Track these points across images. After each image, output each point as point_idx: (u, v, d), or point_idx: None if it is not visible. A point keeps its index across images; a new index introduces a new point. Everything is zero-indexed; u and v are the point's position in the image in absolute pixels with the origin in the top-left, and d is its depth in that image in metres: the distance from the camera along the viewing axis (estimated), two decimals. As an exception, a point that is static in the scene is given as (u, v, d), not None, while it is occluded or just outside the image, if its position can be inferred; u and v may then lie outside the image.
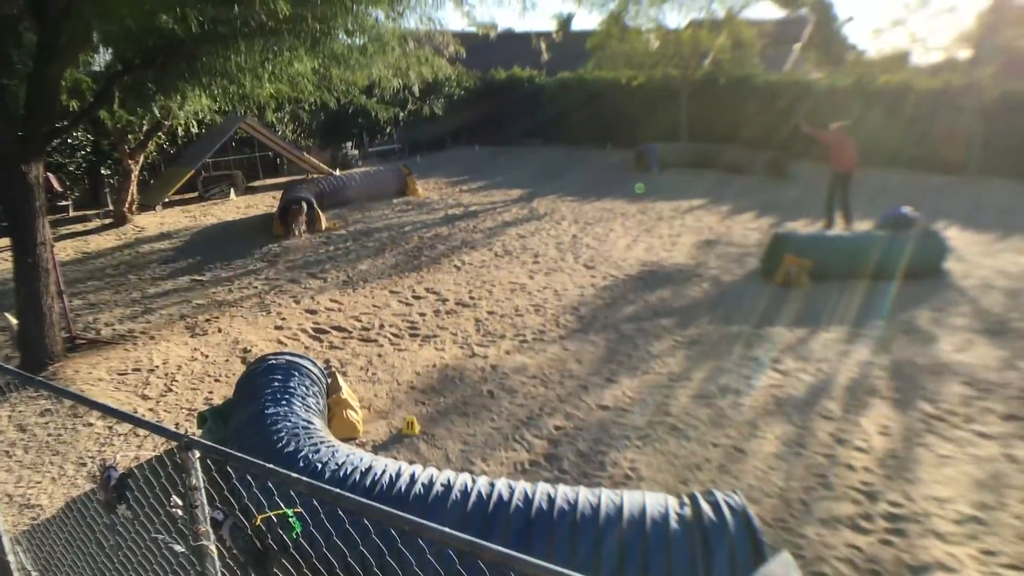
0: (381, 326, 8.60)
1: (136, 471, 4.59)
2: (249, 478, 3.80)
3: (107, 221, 16.00)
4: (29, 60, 7.41)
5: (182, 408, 6.66)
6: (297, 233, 13.52)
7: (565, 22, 42.33)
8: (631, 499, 3.72)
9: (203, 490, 2.73)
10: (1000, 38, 19.71)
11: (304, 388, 5.39)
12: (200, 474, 2.71)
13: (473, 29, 8.73)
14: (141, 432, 5.96)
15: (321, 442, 4.50)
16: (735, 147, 20.99)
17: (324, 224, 14.15)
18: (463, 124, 27.26)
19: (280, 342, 8.21)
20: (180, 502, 3.48)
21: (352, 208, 16.30)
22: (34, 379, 3.38)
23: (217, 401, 6.55)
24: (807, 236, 10.39)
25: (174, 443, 2.53)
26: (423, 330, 8.43)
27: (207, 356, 7.90)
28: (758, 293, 9.53)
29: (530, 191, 17.98)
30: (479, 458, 5.55)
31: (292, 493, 3.56)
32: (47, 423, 6.40)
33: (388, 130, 24.46)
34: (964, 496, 4.95)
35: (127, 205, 15.84)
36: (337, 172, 20.11)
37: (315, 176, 19.42)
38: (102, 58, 9.55)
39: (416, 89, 10.15)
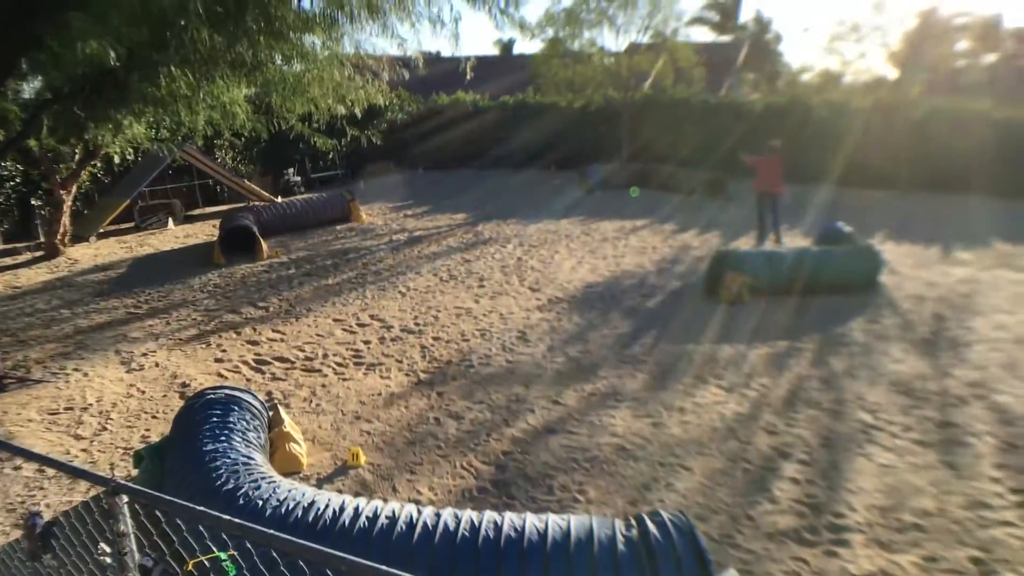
0: (325, 355, 8.46)
1: (62, 518, 4.40)
2: (179, 522, 3.67)
3: (38, 254, 15.46)
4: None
5: (117, 447, 6.43)
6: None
7: (507, 47, 42.76)
8: (578, 523, 3.70)
9: (132, 536, 2.63)
10: (926, 58, 20.56)
11: (244, 423, 5.25)
12: (129, 519, 2.61)
13: (410, 54, 8.73)
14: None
15: (262, 478, 4.38)
16: (675, 167, 21.38)
17: (266, 252, 13.92)
18: (407, 149, 27.22)
19: (220, 375, 8.00)
20: (108, 549, 3.34)
21: (294, 235, 16.08)
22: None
23: (154, 439, 6.33)
24: (747, 253, 10.59)
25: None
26: (368, 358, 8.31)
27: (144, 392, 7.66)
28: (701, 310, 9.66)
29: (475, 215, 18.01)
30: (426, 487, 5.47)
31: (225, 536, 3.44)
32: (-28, 468, 6.10)
33: (331, 156, 24.27)
34: (905, 504, 5.05)
35: (59, 237, 15.36)
36: (279, 199, 19.86)
37: (256, 203, 19.13)
38: (31, 86, 9.29)
39: (358, 113, 10.07)
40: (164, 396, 7.50)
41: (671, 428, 6.29)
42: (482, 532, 3.66)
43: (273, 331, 9.42)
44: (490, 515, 3.83)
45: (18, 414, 7.19)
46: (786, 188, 13.62)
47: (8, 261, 15.22)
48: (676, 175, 20.84)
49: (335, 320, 9.76)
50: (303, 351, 8.64)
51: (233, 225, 14.41)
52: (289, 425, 6.06)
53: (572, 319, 9.44)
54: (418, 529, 3.72)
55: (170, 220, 18.69)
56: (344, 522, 3.82)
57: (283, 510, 3.96)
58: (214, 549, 3.14)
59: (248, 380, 7.82)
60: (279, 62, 8.44)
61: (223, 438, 4.89)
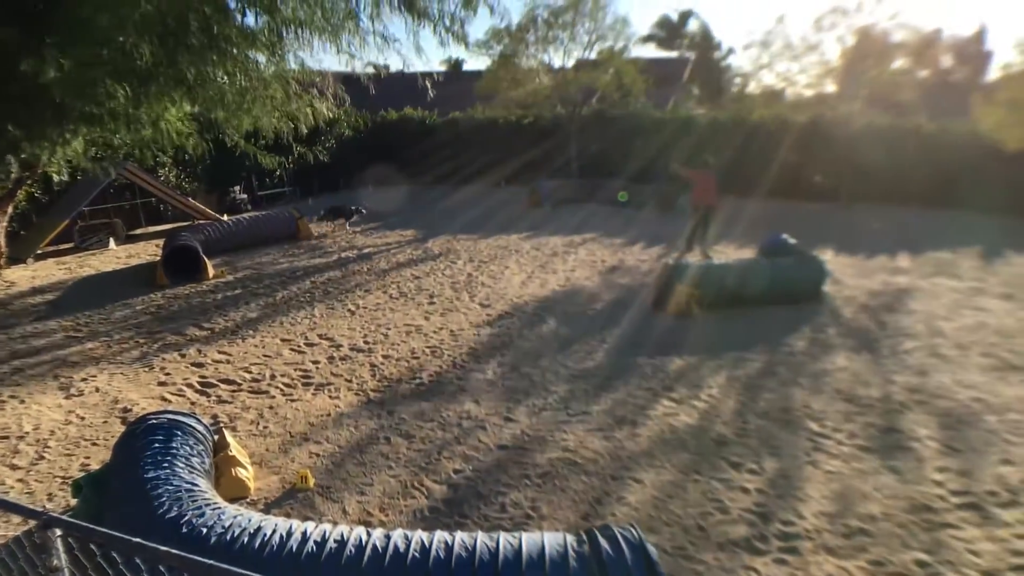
0: (272, 376, 8.30)
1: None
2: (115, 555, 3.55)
3: (-29, 278, 14.92)
4: None
5: (55, 477, 6.19)
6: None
7: (455, 64, 42.85)
8: (529, 540, 3.68)
9: (66, 570, 2.53)
10: (863, 74, 21.25)
11: (188, 448, 5.11)
12: (62, 553, 2.52)
13: (359, 70, 8.71)
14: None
15: (206, 505, 4.27)
16: (623, 182, 21.67)
17: (211, 272, 13.64)
18: (355, 165, 27.04)
19: (164, 399, 7.79)
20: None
21: (241, 254, 15.81)
22: None
23: (95, 467, 6.13)
24: (696, 266, 10.74)
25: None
26: (317, 378, 8.18)
27: (83, 418, 7.41)
28: (651, 323, 9.76)
29: (424, 231, 17.94)
30: (377, 508, 5.39)
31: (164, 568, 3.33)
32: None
33: (278, 173, 23.97)
34: (851, 510, 5.15)
35: (-6, 259, 14.83)
36: (225, 217, 19.52)
37: (201, 222, 18.76)
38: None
39: (304, 130, 9.97)
40: (105, 422, 7.27)
41: (622, 441, 6.32)
42: (432, 553, 3.62)
43: (219, 352, 9.22)
44: (441, 535, 3.78)
45: (-51, 444, 6.89)
46: (720, 202, 14.00)
47: (-61, 285, 14.64)
48: (624, 189, 21.13)
49: (283, 340, 9.60)
50: (250, 372, 8.47)
51: (177, 244, 14.09)
52: (235, 449, 5.92)
53: (522, 334, 9.44)
54: (367, 552, 3.66)
55: (111, 240, 18.20)
56: (292, 547, 3.74)
57: (228, 537, 3.86)
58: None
59: (193, 403, 7.63)
60: (223, 79, 8.31)
61: (165, 465, 4.75)
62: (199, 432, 5.44)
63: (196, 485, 4.61)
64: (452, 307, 10.85)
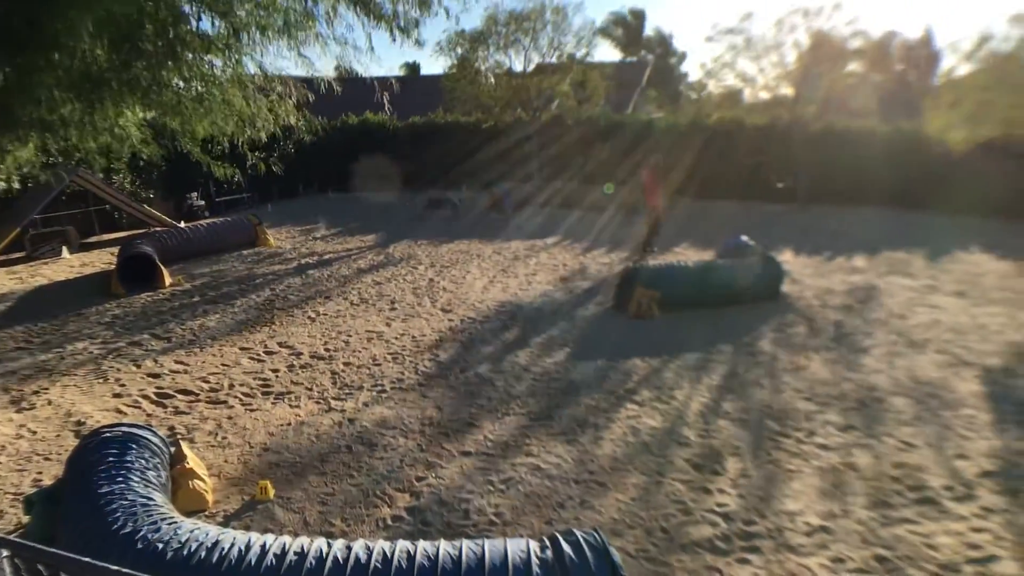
0: (231, 386, 8.17)
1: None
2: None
3: (-83, 289, 14.47)
4: None
5: (7, 493, 6.01)
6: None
7: (414, 68, 42.76)
8: (492, 547, 3.66)
9: (13, 593, 2.45)
10: (820, 77, 21.68)
11: (143, 461, 5.00)
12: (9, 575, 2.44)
13: (317, 74, 8.61)
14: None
15: (162, 519, 4.17)
16: (584, 186, 21.82)
17: (168, 280, 13.39)
18: (315, 171, 26.79)
19: (119, 411, 7.62)
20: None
21: (198, 262, 15.55)
22: None
23: (47, 482, 5.96)
24: (655, 268, 10.82)
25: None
26: (276, 387, 8.07)
27: (35, 432, 7.21)
28: (612, 326, 9.81)
29: (385, 236, 17.84)
30: (339, 518, 5.32)
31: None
32: None
33: (236, 178, 23.62)
34: (812, 507, 5.22)
35: (-59, 270, 14.41)
36: (182, 224, 19.18)
37: (158, 229, 18.42)
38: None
39: (263, 137, 9.83)
40: (58, 436, 7.08)
41: (585, 445, 6.33)
42: (394, 563, 3.58)
43: (176, 362, 9.05)
44: (403, 544, 3.75)
45: None
46: (663, 204, 14.14)
47: None
48: (585, 192, 21.29)
49: (241, 348, 9.45)
50: (208, 382, 8.32)
51: (132, 253, 13.80)
52: (192, 461, 5.81)
53: (485, 339, 9.42)
54: (328, 564, 3.61)
55: (64, 249, 17.76)
56: (250, 561, 3.67)
57: (185, 552, 3.78)
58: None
59: (149, 415, 7.47)
60: (179, 84, 8.16)
61: (120, 479, 4.64)
62: (155, 444, 5.32)
63: (152, 499, 4.50)
64: (414, 313, 10.79)
